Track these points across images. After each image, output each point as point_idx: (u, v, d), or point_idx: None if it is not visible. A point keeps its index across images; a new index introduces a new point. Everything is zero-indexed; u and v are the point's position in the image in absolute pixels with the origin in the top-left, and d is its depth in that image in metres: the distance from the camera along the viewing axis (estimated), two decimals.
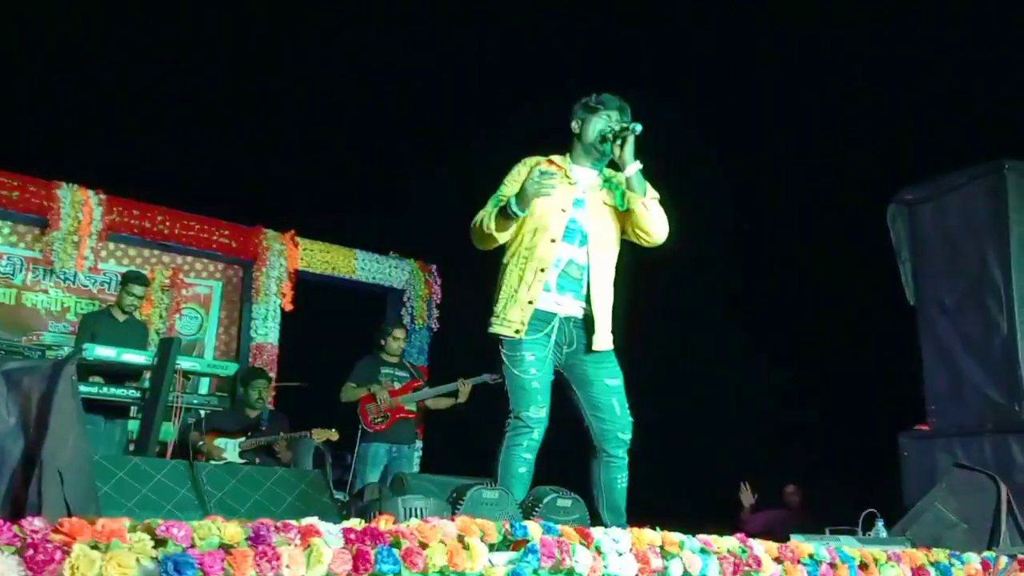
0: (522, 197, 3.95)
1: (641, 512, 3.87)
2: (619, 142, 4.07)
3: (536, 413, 3.99)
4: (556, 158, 4.22)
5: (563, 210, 4.12)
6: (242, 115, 9.78)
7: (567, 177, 4.18)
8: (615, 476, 4.10)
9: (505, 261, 4.15)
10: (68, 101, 8.99)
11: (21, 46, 8.74)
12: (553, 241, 4.07)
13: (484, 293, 4.28)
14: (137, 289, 7.11)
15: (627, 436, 4.12)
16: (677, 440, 9.21)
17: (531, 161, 4.25)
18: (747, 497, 8.38)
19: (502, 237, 4.10)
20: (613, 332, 4.21)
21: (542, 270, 4.04)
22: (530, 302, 4.03)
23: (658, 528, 3.27)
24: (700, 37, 9.18)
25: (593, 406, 4.10)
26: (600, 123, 4.14)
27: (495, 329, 4.08)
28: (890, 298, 6.65)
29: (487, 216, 4.07)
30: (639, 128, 4.04)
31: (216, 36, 9.36)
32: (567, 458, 4.11)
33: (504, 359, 4.03)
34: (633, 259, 4.41)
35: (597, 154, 4.20)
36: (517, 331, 4.02)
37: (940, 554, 4.05)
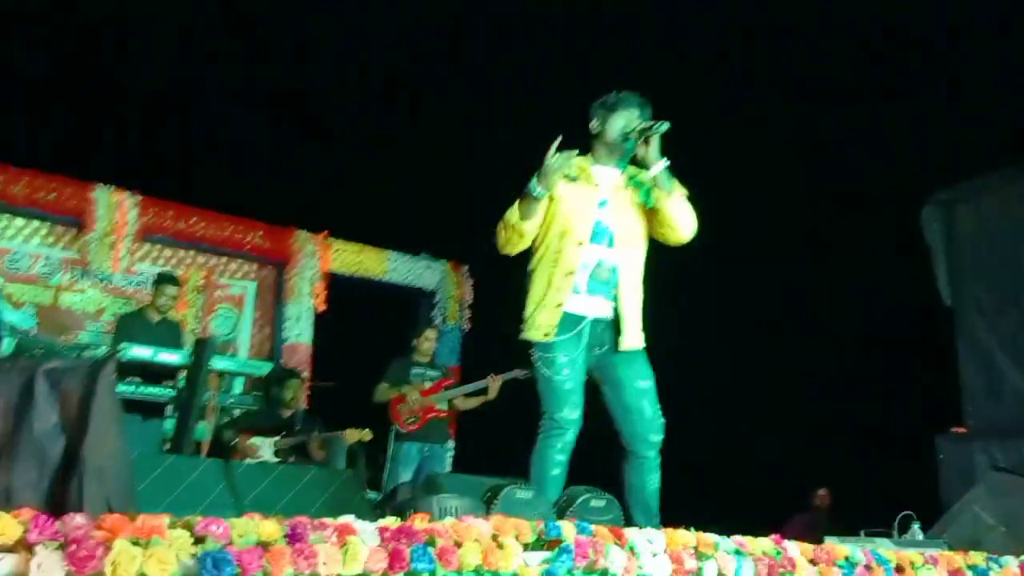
0: (542, 176, 3.88)
1: (675, 513, 3.86)
2: (644, 140, 4.03)
3: (570, 415, 3.97)
4: (578, 159, 4.12)
5: (589, 212, 4.08)
6: (275, 117, 9.84)
7: (590, 179, 4.14)
8: (647, 477, 4.07)
9: (532, 267, 4.11)
10: (103, 104, 9.09)
11: (56, 48, 8.85)
12: (580, 244, 4.03)
13: (516, 294, 4.26)
14: (170, 290, 7.17)
15: (658, 438, 4.09)
16: (713, 441, 9.19)
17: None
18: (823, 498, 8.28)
19: (529, 227, 4.00)
20: (644, 330, 4.18)
21: (570, 273, 4.00)
22: (558, 305, 4.00)
23: (692, 529, 3.26)
24: (737, 33, 9.14)
25: (624, 408, 4.06)
26: (621, 120, 4.07)
27: (526, 335, 4.05)
28: (925, 299, 6.60)
29: (510, 209, 4.02)
30: (666, 126, 3.98)
31: (250, 38, 9.43)
32: (601, 458, 4.10)
33: (537, 362, 4.01)
34: (670, 256, 4.38)
35: (620, 152, 4.14)
36: (547, 334, 3.99)
37: (978, 557, 4.01)
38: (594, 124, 4.16)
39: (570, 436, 3.99)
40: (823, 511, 8.13)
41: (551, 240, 4.06)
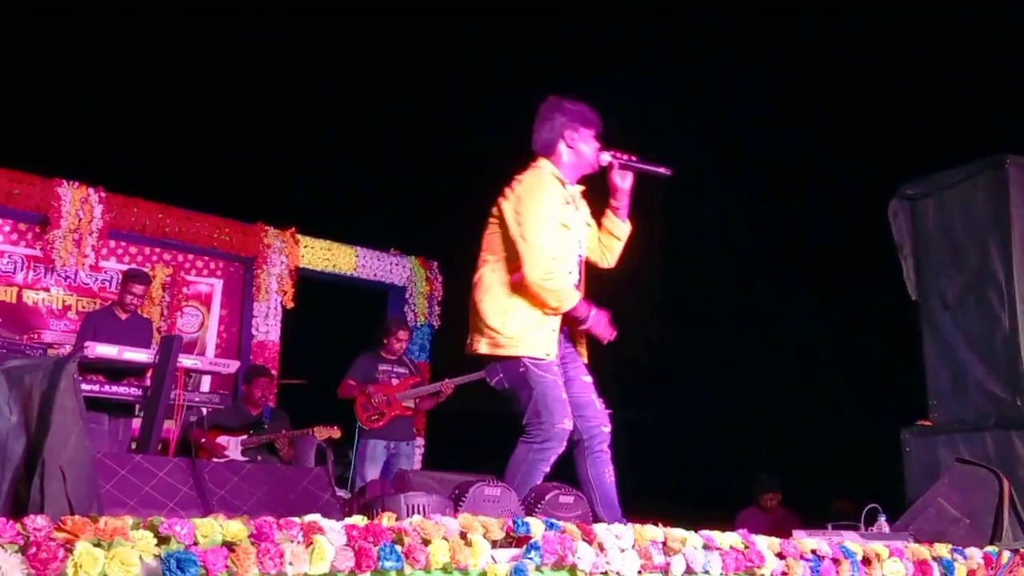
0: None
1: (644, 509, 3.87)
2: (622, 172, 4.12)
3: (568, 425, 3.95)
4: (559, 174, 4.10)
5: (575, 240, 4.10)
6: (243, 113, 9.78)
7: (575, 204, 4.14)
8: (603, 471, 4.08)
9: (515, 279, 3.96)
10: (68, 99, 8.99)
11: (20, 44, 8.75)
12: (570, 273, 4.06)
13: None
14: (137, 288, 7.09)
15: (608, 429, 4.12)
16: (678, 438, 9.23)
17: (553, 173, 4.09)
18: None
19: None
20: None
21: None
22: (554, 330, 3.99)
23: (660, 524, 3.27)
24: (707, 28, 9.18)
25: (576, 403, 4.04)
26: (592, 145, 4.09)
27: (518, 352, 3.93)
28: (891, 293, 6.64)
29: (565, 294, 3.96)
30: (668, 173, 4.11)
31: (218, 34, 9.36)
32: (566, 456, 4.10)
33: (531, 376, 3.91)
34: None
35: (587, 171, 4.16)
36: (548, 353, 3.95)
37: (943, 549, 4.05)
38: (570, 137, 4.10)
39: (563, 448, 3.97)
40: (770, 511, 8.06)
41: None
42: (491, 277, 4.00)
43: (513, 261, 3.95)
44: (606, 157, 4.15)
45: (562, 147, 4.10)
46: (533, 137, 4.14)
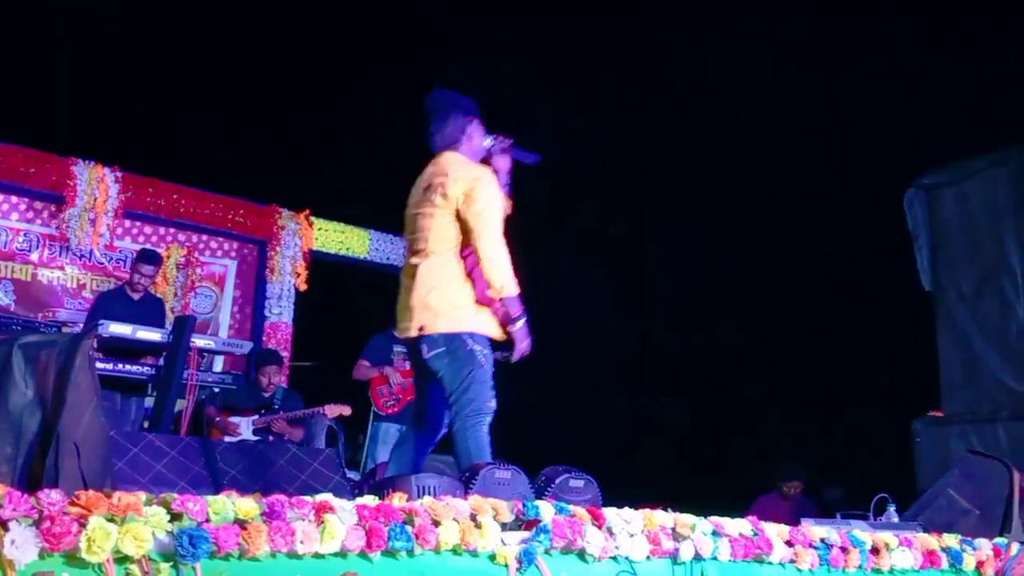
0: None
1: (657, 494, 3.87)
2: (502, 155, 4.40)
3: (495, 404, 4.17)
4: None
5: None
6: (259, 95, 9.78)
7: None
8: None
9: (469, 265, 4.17)
10: (85, 78, 9.01)
11: (37, 25, 8.76)
12: None
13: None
14: (147, 268, 7.09)
15: None
16: (691, 425, 9.22)
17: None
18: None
19: None
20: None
21: None
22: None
23: (670, 510, 3.28)
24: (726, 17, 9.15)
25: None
26: (484, 135, 4.38)
27: (481, 329, 4.13)
28: (905, 283, 6.63)
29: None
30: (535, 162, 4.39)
31: (233, 15, 9.36)
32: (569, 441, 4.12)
33: (479, 355, 4.10)
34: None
35: (480, 159, 4.38)
36: (497, 335, 4.16)
37: (952, 540, 4.05)
38: (474, 129, 4.36)
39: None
40: (791, 498, 8.06)
41: None
42: (448, 261, 4.18)
43: (465, 247, 4.17)
44: (488, 141, 4.41)
45: (464, 139, 4.35)
46: (433, 132, 4.37)
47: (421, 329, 4.18)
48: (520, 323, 4.17)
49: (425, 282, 4.19)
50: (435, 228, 4.20)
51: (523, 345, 4.20)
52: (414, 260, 4.30)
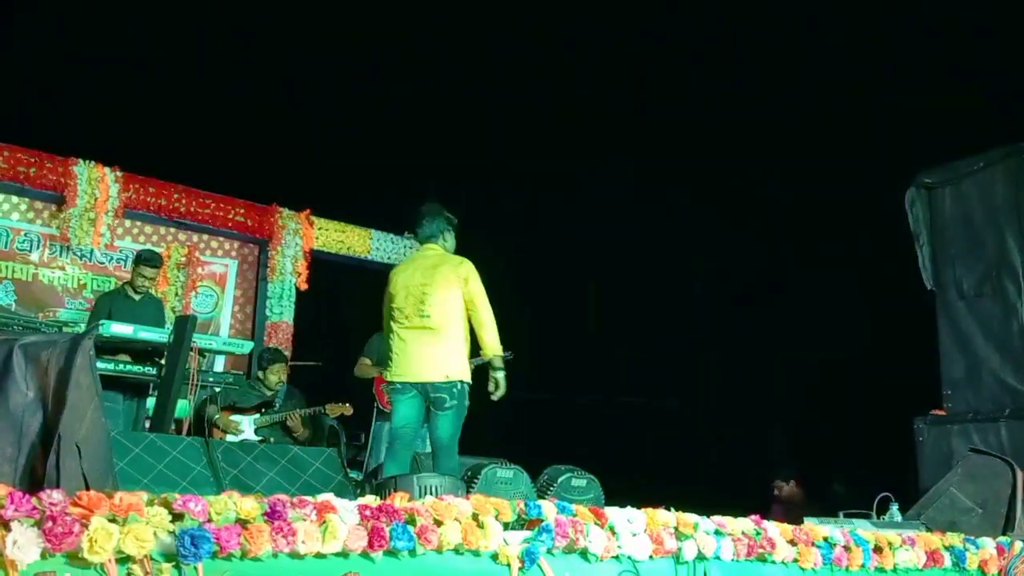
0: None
1: (658, 494, 3.87)
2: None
3: None
4: None
5: None
6: (259, 94, 9.77)
7: None
8: None
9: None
10: (85, 78, 8.99)
11: (36, 21, 8.76)
12: None
13: (498, 274, 4.44)
14: (148, 271, 7.06)
15: None
16: (693, 426, 9.22)
17: None
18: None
19: None
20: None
21: None
22: None
23: (672, 509, 3.27)
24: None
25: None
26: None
27: (468, 378, 5.27)
28: (906, 282, 6.62)
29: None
30: None
31: (234, 13, 9.35)
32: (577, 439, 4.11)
33: (466, 400, 5.19)
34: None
35: None
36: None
37: (955, 538, 4.04)
38: (450, 235, 5.61)
39: None
40: (787, 502, 8.02)
41: None
42: (462, 328, 5.31)
43: (465, 319, 5.34)
44: None
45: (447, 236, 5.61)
46: (423, 226, 5.61)
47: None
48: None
49: None
50: (451, 298, 5.33)
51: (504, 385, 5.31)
52: None
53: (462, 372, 5.23)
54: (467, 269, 5.35)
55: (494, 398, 5.25)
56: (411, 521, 2.64)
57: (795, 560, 3.44)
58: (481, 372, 5.47)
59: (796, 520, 4.19)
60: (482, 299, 5.30)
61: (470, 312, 5.30)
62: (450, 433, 5.16)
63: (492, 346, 5.26)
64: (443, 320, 5.25)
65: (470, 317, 5.31)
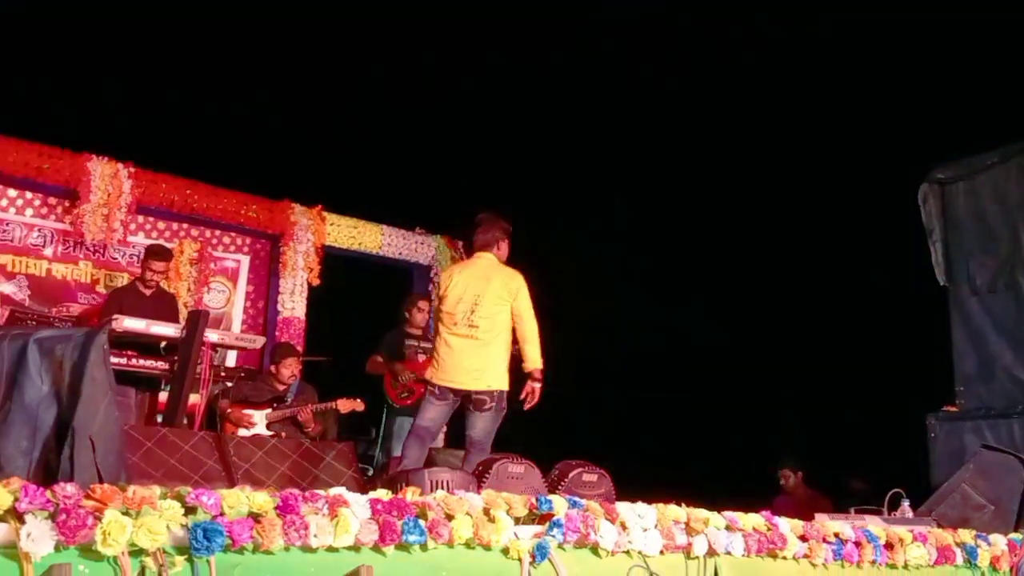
0: None
1: (669, 489, 3.87)
2: None
3: None
4: None
5: None
6: (271, 90, 9.79)
7: None
8: None
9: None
10: (99, 75, 9.03)
11: (50, 18, 8.79)
12: None
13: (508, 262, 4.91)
14: (157, 264, 7.07)
15: None
16: (706, 421, 9.20)
17: None
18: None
19: None
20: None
21: None
22: None
23: (683, 505, 3.27)
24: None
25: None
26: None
27: (506, 386, 5.51)
28: (919, 278, 6.60)
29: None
30: None
31: (246, 10, 9.37)
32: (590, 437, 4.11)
33: (504, 407, 5.46)
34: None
35: None
36: None
37: (966, 535, 4.03)
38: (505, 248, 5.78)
39: None
40: (792, 492, 7.97)
41: None
42: (506, 340, 5.54)
43: (510, 331, 5.56)
44: None
45: (502, 245, 5.76)
46: (479, 234, 5.76)
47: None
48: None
49: None
50: (499, 311, 5.54)
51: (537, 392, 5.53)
52: None
53: (502, 381, 5.47)
54: (518, 284, 5.56)
55: (526, 407, 5.44)
56: (422, 515, 2.65)
57: (806, 556, 3.44)
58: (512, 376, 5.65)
59: (803, 511, 4.18)
60: (529, 313, 5.52)
61: (516, 324, 5.51)
62: (486, 432, 5.43)
63: (534, 359, 5.46)
64: (490, 332, 5.47)
65: (515, 328, 5.52)
